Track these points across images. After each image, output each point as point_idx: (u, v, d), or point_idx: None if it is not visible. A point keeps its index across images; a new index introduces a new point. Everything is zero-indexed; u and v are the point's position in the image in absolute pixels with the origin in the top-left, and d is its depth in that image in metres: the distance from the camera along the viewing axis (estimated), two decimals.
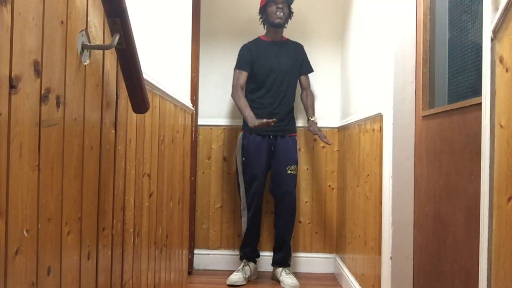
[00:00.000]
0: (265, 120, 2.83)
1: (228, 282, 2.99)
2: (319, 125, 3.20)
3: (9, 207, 0.76)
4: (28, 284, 0.84)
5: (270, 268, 3.24)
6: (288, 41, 3.23)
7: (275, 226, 3.16)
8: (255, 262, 3.20)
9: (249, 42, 3.19)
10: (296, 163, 3.11)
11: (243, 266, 3.10)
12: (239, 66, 3.14)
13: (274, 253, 3.19)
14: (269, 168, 3.11)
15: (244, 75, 3.11)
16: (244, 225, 3.14)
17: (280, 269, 3.11)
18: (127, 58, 1.23)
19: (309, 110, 3.21)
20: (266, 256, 3.29)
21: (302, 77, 3.24)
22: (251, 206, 3.07)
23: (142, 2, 1.64)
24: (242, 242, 3.18)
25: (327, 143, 3.03)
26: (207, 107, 3.40)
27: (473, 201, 1.44)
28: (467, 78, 1.61)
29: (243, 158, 3.09)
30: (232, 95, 3.12)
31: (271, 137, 3.08)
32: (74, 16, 1.01)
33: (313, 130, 3.11)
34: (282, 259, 3.13)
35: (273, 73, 3.10)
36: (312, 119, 3.16)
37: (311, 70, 3.27)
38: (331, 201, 3.42)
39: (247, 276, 3.05)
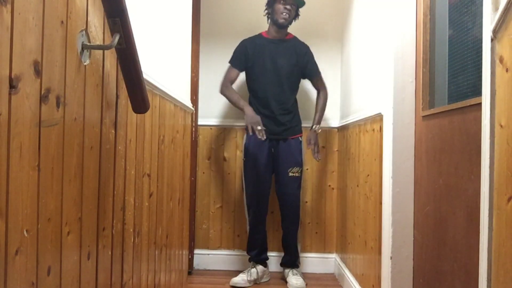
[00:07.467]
0: (260, 128, 2.85)
1: (230, 283, 2.99)
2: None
3: (9, 207, 0.76)
4: (28, 284, 0.84)
5: (278, 269, 3.22)
6: (292, 40, 3.13)
7: (282, 227, 3.15)
8: (264, 265, 3.14)
9: (248, 38, 3.14)
10: (299, 165, 3.05)
11: (249, 268, 3.08)
12: (232, 61, 3.12)
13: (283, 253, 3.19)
14: (273, 170, 3.08)
15: (235, 72, 3.09)
16: (248, 226, 3.13)
17: (288, 270, 3.10)
18: (127, 58, 1.23)
19: (315, 116, 3.11)
20: (274, 257, 3.28)
21: (313, 79, 3.17)
22: (250, 207, 3.07)
23: (142, 2, 1.64)
24: (247, 243, 3.16)
25: (316, 159, 3.08)
26: (207, 107, 3.40)
27: (473, 201, 1.44)
28: (467, 78, 1.61)
29: (244, 158, 3.09)
30: (221, 91, 3.09)
31: (272, 140, 3.04)
32: (74, 16, 1.01)
33: (308, 141, 3.05)
34: (289, 260, 3.12)
35: (269, 72, 3.03)
36: (314, 128, 3.08)
37: (318, 73, 3.15)
38: (331, 201, 3.42)
39: (251, 278, 3.02)
